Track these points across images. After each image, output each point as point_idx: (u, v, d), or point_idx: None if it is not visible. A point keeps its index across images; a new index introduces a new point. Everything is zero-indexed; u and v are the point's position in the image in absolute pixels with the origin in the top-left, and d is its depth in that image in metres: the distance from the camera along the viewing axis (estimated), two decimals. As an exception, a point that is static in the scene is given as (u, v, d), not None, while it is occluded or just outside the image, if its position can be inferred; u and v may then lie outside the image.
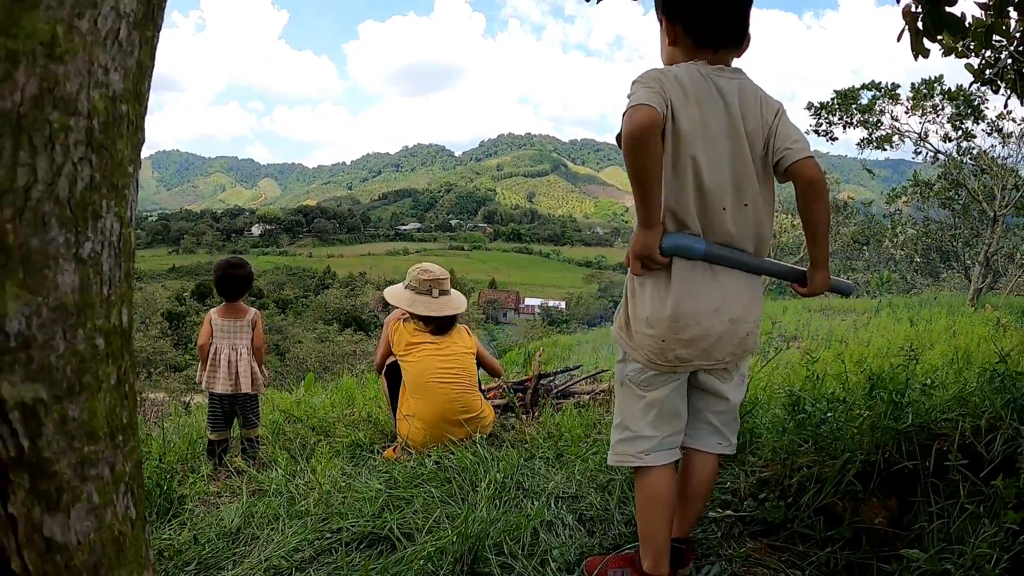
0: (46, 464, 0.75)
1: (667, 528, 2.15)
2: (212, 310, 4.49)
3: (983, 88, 4.45)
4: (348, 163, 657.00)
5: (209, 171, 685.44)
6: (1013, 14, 3.89)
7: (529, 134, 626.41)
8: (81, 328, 0.79)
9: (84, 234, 0.78)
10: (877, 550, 2.34)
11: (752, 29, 2.07)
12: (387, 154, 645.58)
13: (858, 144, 21.27)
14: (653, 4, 3.96)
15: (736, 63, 2.09)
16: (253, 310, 4.51)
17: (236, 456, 4.25)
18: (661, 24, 2.13)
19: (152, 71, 0.89)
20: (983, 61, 4.25)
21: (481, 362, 4.51)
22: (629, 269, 2.03)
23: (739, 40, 2.06)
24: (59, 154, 0.74)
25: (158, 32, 0.89)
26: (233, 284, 4.43)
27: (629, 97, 1.87)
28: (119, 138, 0.82)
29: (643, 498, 2.16)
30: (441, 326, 4.27)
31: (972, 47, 4.15)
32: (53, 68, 0.73)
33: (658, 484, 2.13)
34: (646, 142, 1.79)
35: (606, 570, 2.29)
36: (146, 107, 0.89)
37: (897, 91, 20.49)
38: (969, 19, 3.87)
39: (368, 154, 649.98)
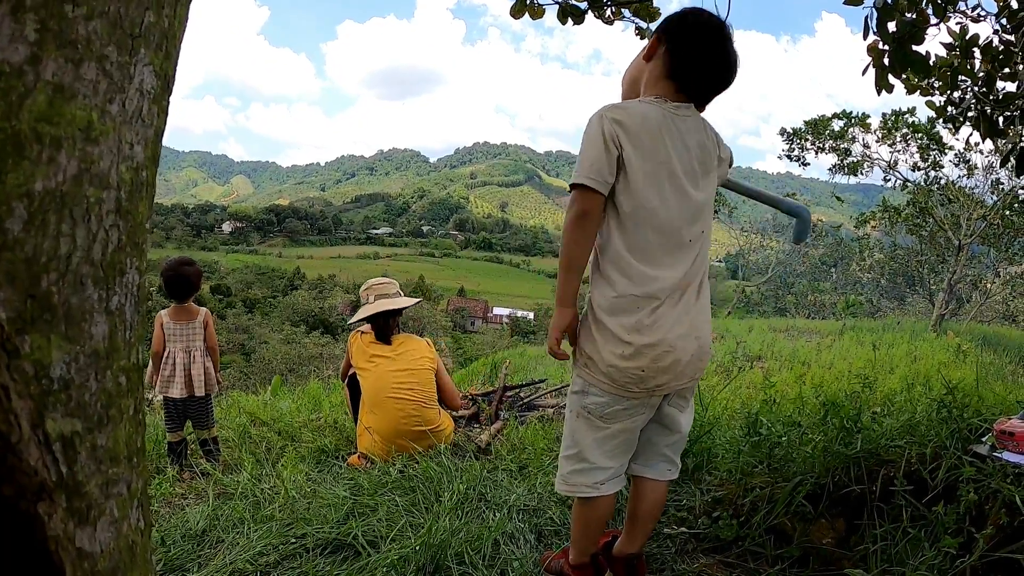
0: (80, 486, 0.85)
1: (598, 536, 2.38)
2: (162, 312, 4.33)
3: (947, 125, 4.56)
4: (322, 164, 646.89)
5: (182, 165, 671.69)
6: (978, 54, 4.00)
7: (504, 144, 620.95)
8: (109, 369, 0.89)
9: (112, 289, 0.88)
10: (824, 569, 2.44)
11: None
12: (362, 157, 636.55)
13: (829, 170, 21.61)
14: (631, 22, 4.01)
15: None
16: (203, 310, 4.39)
17: (200, 459, 4.24)
18: (652, 37, 2.15)
19: (164, 132, 0.97)
20: (946, 99, 4.35)
21: (438, 386, 4.41)
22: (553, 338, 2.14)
23: (702, 103, 2.14)
24: (94, 223, 0.84)
25: (170, 96, 0.97)
26: (185, 283, 4.28)
27: (584, 141, 2.02)
28: (140, 202, 0.92)
29: (583, 518, 2.32)
30: (379, 330, 4.30)
31: (937, 86, 4.26)
32: (89, 149, 0.82)
33: (601, 509, 2.29)
34: (586, 225, 2.03)
35: (554, 562, 2.50)
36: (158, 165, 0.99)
37: (868, 120, 20.83)
38: (933, 58, 3.99)
39: (343, 156, 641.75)
